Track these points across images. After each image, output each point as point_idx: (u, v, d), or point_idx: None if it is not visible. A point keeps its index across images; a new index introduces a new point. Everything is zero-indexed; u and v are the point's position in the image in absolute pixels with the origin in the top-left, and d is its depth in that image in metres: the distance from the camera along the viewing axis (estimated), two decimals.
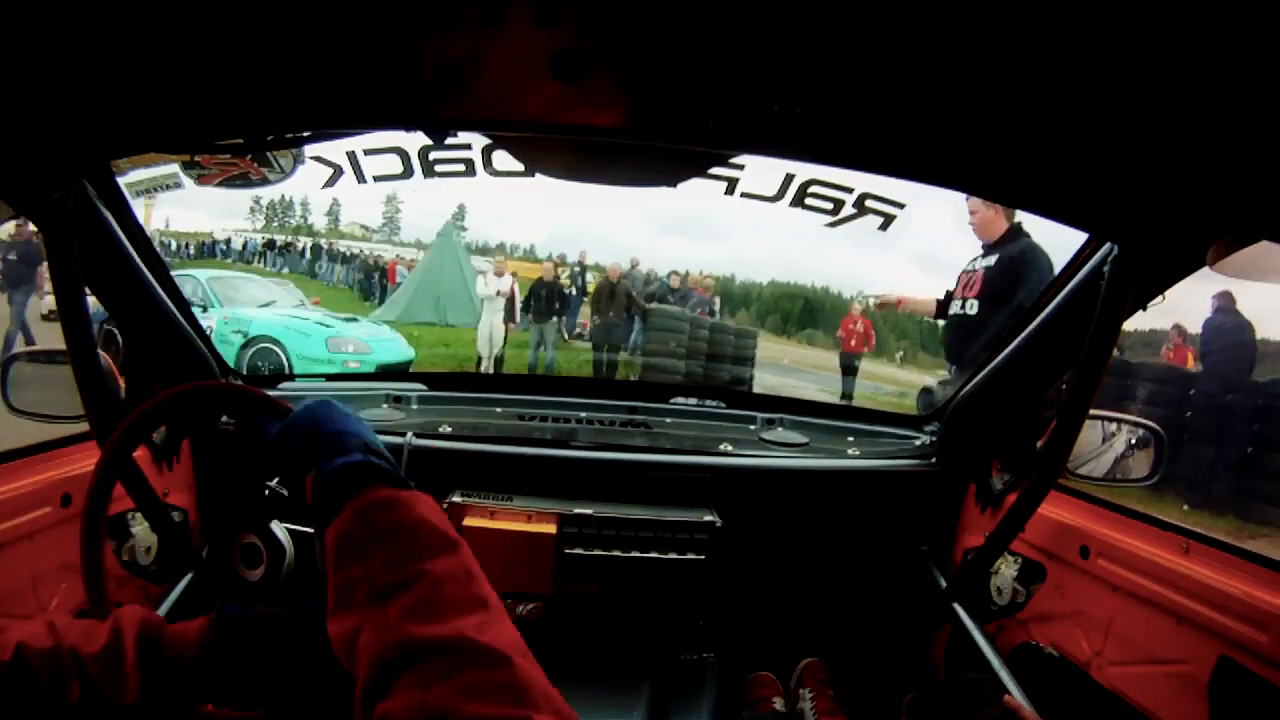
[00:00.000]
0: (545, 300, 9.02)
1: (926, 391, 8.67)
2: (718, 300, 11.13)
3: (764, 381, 10.15)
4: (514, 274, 9.22)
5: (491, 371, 8.49)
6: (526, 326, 9.19)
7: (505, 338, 8.85)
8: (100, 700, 0.56)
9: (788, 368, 12.33)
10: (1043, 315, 1.34)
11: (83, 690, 0.56)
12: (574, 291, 11.29)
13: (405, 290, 13.19)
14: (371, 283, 15.99)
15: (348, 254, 19.25)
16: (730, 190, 1.10)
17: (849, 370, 9.73)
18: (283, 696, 0.61)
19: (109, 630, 0.59)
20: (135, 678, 0.57)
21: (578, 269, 11.75)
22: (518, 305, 8.91)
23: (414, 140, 1.04)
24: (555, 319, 9.10)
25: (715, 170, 1.09)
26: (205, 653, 0.60)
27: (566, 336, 10.99)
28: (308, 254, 20.23)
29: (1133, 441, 1.46)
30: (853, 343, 9.66)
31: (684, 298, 9.87)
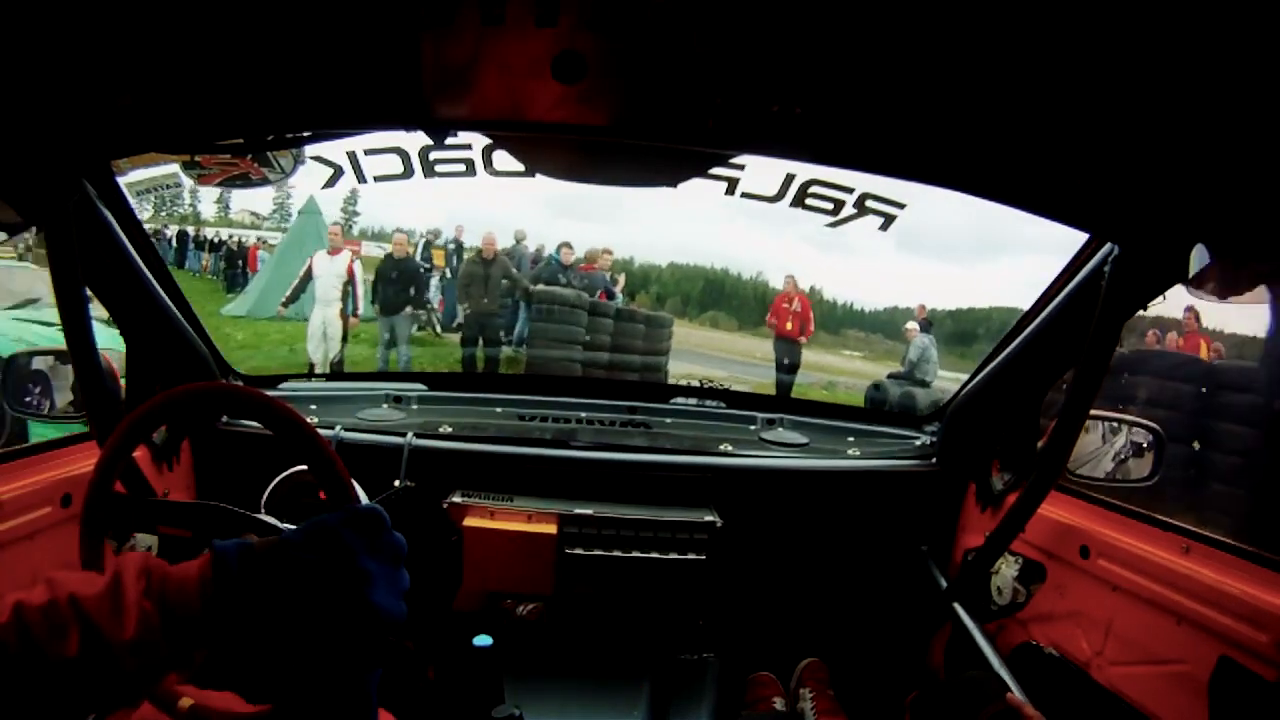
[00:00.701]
0: (396, 285, 6.90)
1: (876, 387, 7.49)
2: (622, 279, 8.94)
3: (676, 371, 8.65)
4: (398, 252, 7.27)
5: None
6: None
7: (345, 334, 6.81)
8: (99, 643, 0.55)
9: (698, 354, 10.90)
10: (1043, 315, 1.34)
11: (81, 638, 0.55)
12: (448, 274, 9.25)
13: (259, 280, 10.83)
14: (235, 271, 14.34)
15: (215, 241, 17.21)
16: (731, 190, 1.10)
17: (788, 367, 8.01)
18: (291, 642, 0.59)
19: (111, 573, 0.58)
20: (135, 612, 0.56)
21: (452, 247, 9.22)
22: (358, 292, 6.75)
23: (414, 140, 1.04)
24: (410, 309, 7.17)
25: (715, 170, 1.09)
26: (208, 594, 0.58)
27: (439, 330, 9.10)
28: (174, 242, 17.95)
29: (1133, 442, 1.46)
30: (788, 326, 8.00)
31: (579, 277, 7.97)
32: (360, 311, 6.87)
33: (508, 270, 7.35)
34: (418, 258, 8.70)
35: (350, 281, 6.66)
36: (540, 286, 7.48)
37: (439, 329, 9.25)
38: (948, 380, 7.51)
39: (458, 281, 7.91)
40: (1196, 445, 4.48)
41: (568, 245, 7.88)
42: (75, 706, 0.56)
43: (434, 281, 9.33)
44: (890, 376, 7.98)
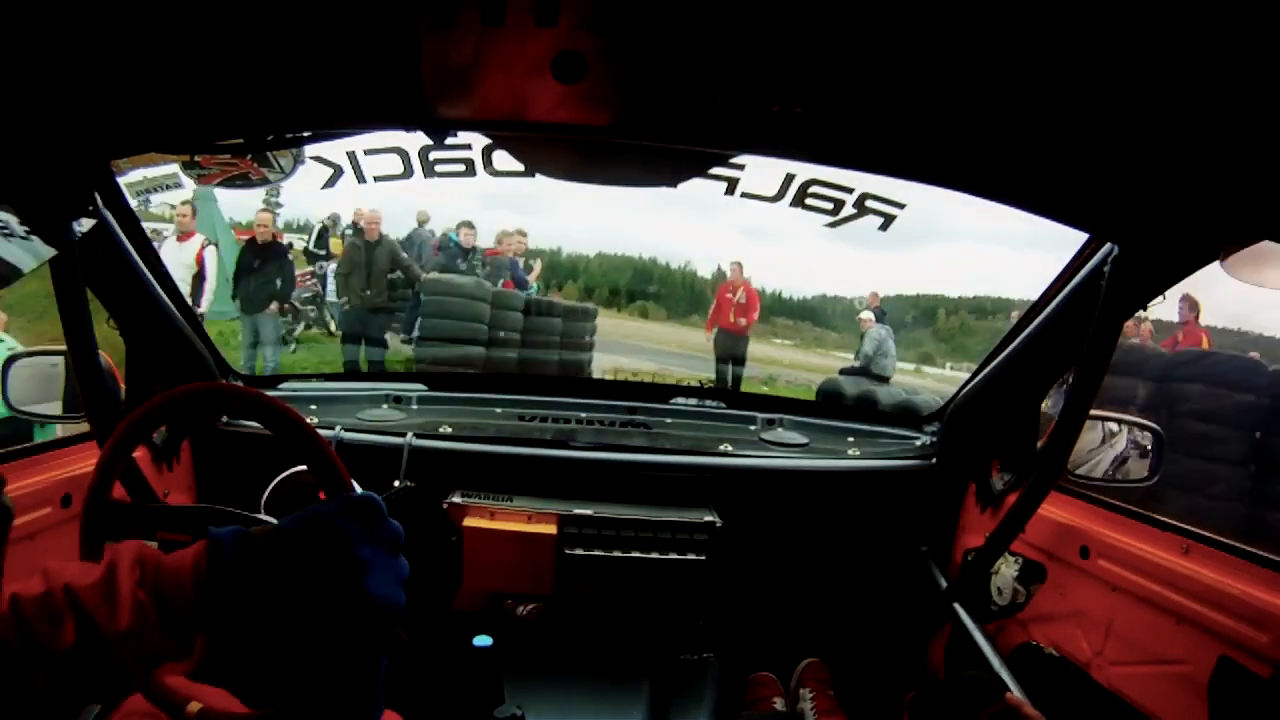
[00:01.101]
0: (258, 277, 5.65)
1: (829, 384, 6.19)
2: (537, 266, 7.62)
3: (604, 365, 7.69)
4: (261, 236, 5.89)
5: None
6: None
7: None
8: (94, 634, 0.55)
9: (628, 345, 10.07)
10: (1043, 315, 1.34)
11: (77, 629, 0.55)
12: None
13: None
14: None
15: None
16: (730, 190, 1.10)
17: (733, 359, 7.06)
18: (288, 631, 0.59)
19: (106, 563, 0.59)
20: (130, 602, 0.56)
21: (349, 231, 7.10)
22: (205, 285, 5.38)
23: (414, 140, 1.04)
24: (276, 305, 5.81)
25: (715, 170, 1.09)
26: (202, 584, 0.58)
27: (333, 328, 7.71)
28: None
29: (1133, 442, 1.46)
30: (731, 316, 6.98)
31: (484, 263, 6.67)
32: (203, 308, 5.36)
33: (395, 255, 6.01)
34: (312, 246, 7.73)
35: (199, 273, 5.33)
36: (432, 275, 6.30)
37: (333, 326, 7.92)
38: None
39: (336, 270, 6.55)
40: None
41: (468, 225, 6.50)
42: (73, 697, 0.57)
43: (331, 272, 7.88)
44: (843, 372, 7.13)
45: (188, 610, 0.57)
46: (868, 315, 7.32)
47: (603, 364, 7.67)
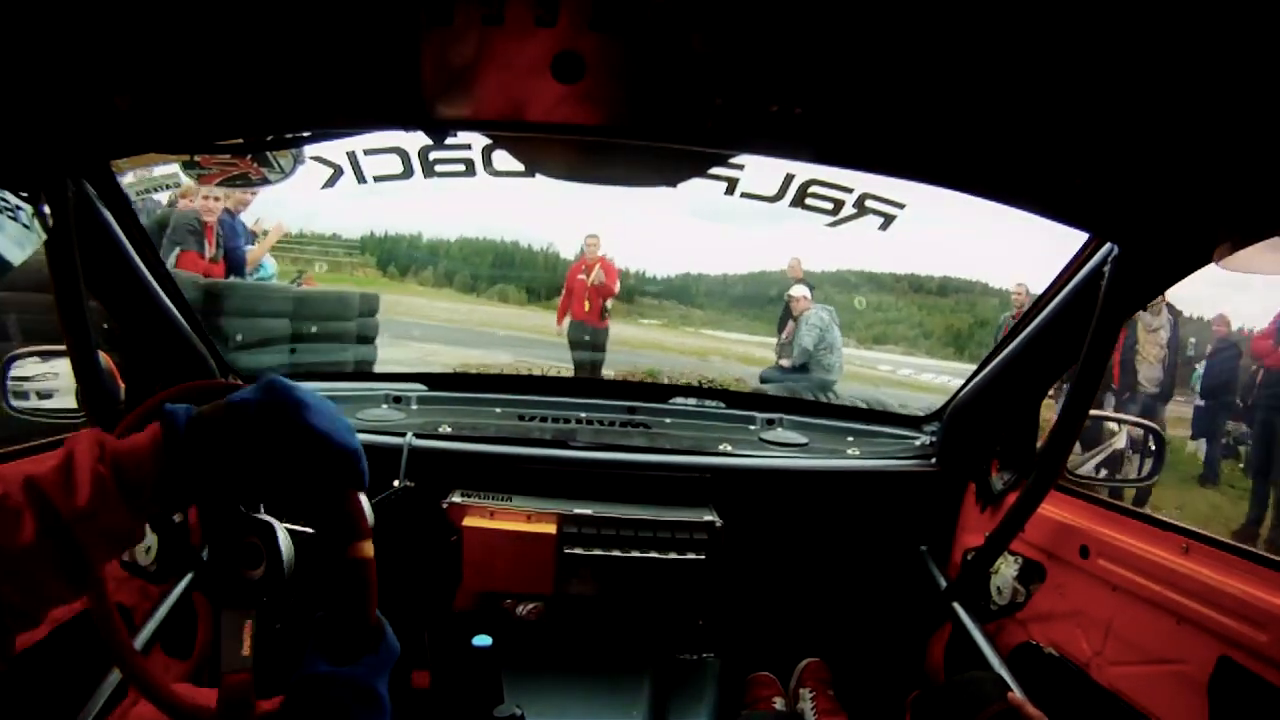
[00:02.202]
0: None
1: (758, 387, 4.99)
2: (274, 232, 5.32)
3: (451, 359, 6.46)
4: None
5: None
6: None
7: None
8: (53, 520, 0.56)
9: (482, 333, 9.26)
10: (1043, 315, 1.34)
11: (36, 517, 0.56)
12: None
13: None
14: None
15: None
16: (730, 190, 1.11)
17: (590, 349, 5.67)
18: (246, 481, 0.64)
19: (64, 448, 0.61)
20: (89, 479, 0.58)
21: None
22: None
23: (414, 140, 1.04)
24: None
25: (715, 170, 1.09)
26: (160, 452, 0.61)
27: None
28: None
29: (1133, 441, 1.46)
30: (585, 304, 5.62)
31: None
32: None
33: None
34: None
35: None
36: None
37: None
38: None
39: None
40: None
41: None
42: (38, 600, 0.58)
43: None
44: (766, 378, 5.57)
45: (148, 481, 0.60)
46: (801, 291, 5.30)
47: (444, 359, 6.45)
